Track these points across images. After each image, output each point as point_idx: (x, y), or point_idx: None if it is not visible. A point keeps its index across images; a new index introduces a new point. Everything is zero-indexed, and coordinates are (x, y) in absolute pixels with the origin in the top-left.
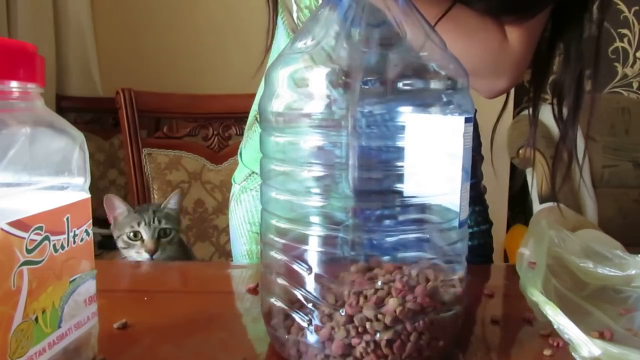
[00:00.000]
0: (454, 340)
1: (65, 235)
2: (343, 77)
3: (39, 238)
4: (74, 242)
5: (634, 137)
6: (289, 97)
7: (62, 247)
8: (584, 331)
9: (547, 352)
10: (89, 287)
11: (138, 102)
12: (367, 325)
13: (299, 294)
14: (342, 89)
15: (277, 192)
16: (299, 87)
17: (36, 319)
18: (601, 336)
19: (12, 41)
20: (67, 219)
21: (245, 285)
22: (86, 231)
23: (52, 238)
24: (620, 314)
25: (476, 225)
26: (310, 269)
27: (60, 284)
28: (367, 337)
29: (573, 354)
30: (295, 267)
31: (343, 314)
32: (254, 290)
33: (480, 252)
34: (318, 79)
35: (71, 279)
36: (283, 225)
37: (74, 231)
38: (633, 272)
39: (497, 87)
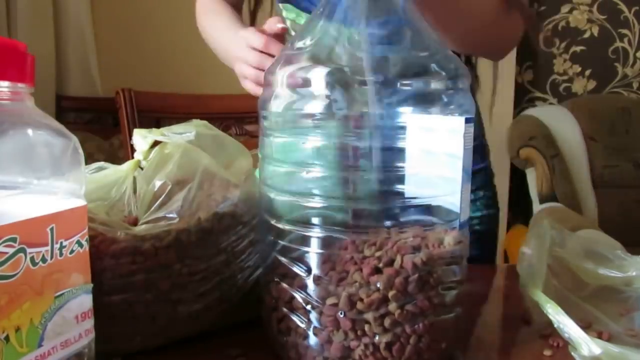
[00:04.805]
0: (454, 341)
1: (49, 247)
2: (343, 77)
3: (10, 250)
4: (61, 254)
5: (634, 137)
6: (288, 97)
7: (44, 259)
8: (584, 330)
9: (547, 352)
10: (82, 302)
11: (138, 102)
12: (366, 327)
13: (298, 296)
14: (342, 88)
15: (276, 193)
16: (298, 87)
17: (7, 337)
18: (599, 336)
19: (1, 39)
20: (52, 229)
21: None
22: (78, 242)
23: (28, 250)
24: (620, 314)
25: (485, 209)
26: (309, 270)
27: (41, 300)
28: (366, 340)
29: (573, 353)
30: (295, 269)
31: (342, 316)
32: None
33: (486, 239)
34: (318, 79)
35: (57, 294)
36: (283, 226)
37: (61, 242)
38: (633, 273)
39: None
